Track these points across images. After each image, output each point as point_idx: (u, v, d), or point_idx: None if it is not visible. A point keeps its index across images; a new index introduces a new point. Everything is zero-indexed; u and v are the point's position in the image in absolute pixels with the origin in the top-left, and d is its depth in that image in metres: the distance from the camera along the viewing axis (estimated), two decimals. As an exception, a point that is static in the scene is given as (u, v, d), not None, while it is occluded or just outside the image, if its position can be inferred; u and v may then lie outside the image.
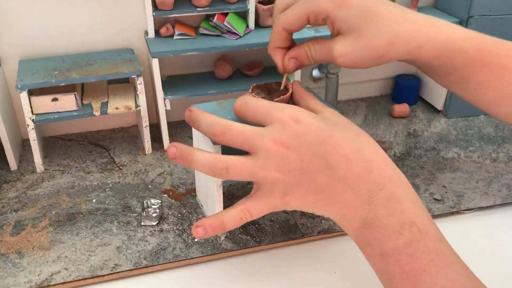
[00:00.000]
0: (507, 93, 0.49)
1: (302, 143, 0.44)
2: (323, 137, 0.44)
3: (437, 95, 0.85)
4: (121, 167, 0.71)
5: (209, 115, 0.48)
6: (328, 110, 0.49)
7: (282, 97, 0.51)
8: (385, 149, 0.76)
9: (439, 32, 0.48)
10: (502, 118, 0.52)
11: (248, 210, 0.47)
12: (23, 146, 0.75)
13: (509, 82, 0.48)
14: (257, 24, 0.75)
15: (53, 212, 0.62)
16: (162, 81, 0.71)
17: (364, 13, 0.47)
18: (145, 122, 0.71)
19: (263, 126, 0.46)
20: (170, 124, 0.77)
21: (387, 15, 0.47)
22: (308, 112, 0.46)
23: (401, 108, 0.84)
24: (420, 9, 0.83)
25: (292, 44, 0.53)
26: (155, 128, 0.78)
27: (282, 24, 0.50)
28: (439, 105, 0.86)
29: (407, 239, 0.42)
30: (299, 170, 0.44)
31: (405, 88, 0.88)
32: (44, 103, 0.66)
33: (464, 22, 0.78)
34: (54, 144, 0.76)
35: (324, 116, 0.48)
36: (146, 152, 0.74)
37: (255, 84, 0.53)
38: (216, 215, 0.47)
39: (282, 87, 0.53)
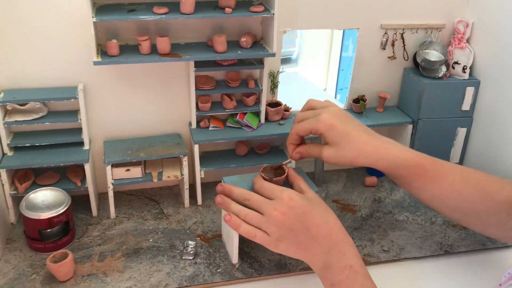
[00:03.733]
0: (436, 195, 0.80)
1: (291, 213, 0.75)
2: (305, 210, 0.75)
3: (398, 170, 1.15)
4: (168, 217, 1.01)
5: (238, 188, 0.79)
6: (310, 191, 0.80)
7: (280, 177, 0.82)
8: (355, 211, 1.05)
9: (389, 154, 0.79)
10: (436, 210, 0.83)
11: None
12: (99, 198, 1.06)
13: (436, 188, 0.80)
14: (267, 119, 1.07)
15: (124, 247, 0.92)
16: (199, 156, 1.02)
17: (344, 136, 0.79)
18: (186, 185, 1.02)
19: (271, 199, 0.76)
20: (202, 185, 1.08)
21: (358, 139, 0.79)
22: (298, 194, 0.77)
23: (371, 180, 1.14)
24: (386, 108, 1.14)
25: (301, 141, 0.85)
26: (191, 187, 1.08)
27: (295, 131, 0.84)
28: (400, 178, 1.15)
29: (347, 275, 0.71)
30: (288, 228, 0.75)
31: (376, 164, 1.18)
32: (120, 172, 0.97)
33: (415, 122, 1.09)
34: (121, 197, 1.08)
35: (307, 196, 0.79)
36: (185, 206, 1.04)
37: (264, 165, 0.85)
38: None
39: (284, 163, 0.85)
